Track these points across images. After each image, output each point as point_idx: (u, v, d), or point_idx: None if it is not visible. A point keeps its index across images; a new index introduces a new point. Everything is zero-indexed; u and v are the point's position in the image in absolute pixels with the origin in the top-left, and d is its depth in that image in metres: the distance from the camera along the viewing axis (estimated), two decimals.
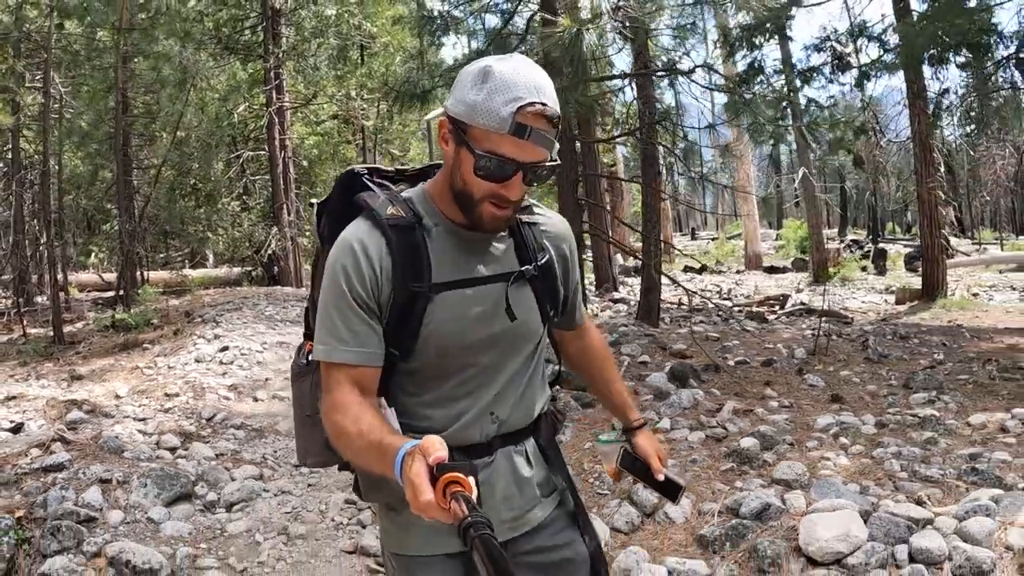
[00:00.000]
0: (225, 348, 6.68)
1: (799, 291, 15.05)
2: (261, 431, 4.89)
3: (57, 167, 9.21)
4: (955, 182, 39.62)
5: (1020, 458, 3.66)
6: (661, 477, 1.60)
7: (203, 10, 13.48)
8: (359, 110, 15.20)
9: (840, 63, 10.87)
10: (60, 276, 13.98)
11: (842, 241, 27.41)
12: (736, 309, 9.40)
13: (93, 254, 17.29)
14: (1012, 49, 9.94)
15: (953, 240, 28.96)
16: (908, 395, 4.62)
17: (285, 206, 14.12)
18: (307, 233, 16.01)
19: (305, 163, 16.10)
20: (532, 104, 1.21)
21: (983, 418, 4.30)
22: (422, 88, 6.36)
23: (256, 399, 5.56)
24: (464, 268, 1.35)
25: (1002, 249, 25.44)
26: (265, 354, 6.73)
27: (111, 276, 14.86)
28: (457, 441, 1.34)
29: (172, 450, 4.39)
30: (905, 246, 25.73)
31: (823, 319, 8.23)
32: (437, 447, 1.02)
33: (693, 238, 38.31)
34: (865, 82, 10.79)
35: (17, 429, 5.14)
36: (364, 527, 3.51)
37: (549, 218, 1.49)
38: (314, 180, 16.98)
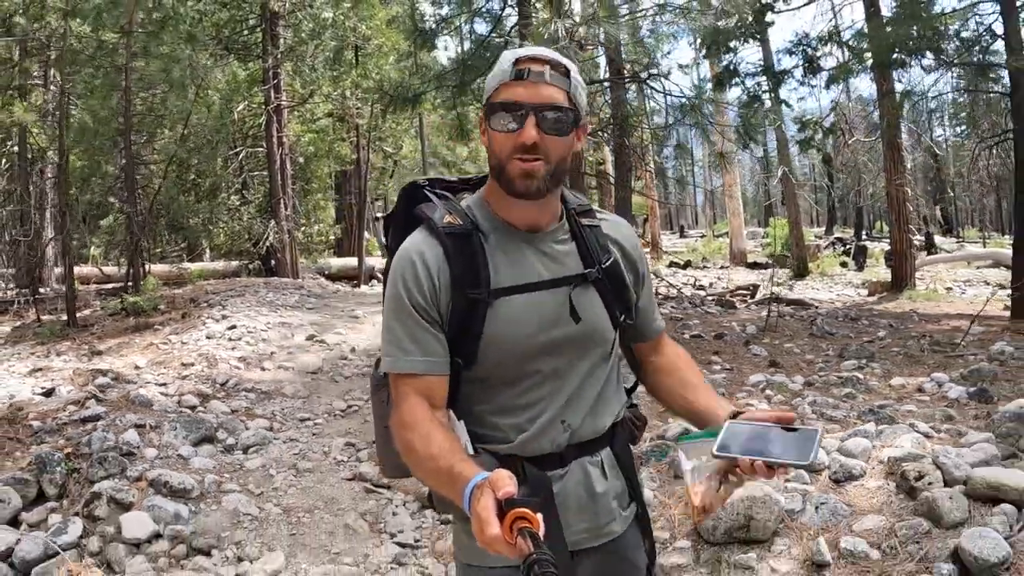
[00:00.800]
0: (233, 327, 7.31)
1: (778, 284, 15.75)
2: (269, 394, 5.52)
3: (66, 162, 9.79)
4: (942, 182, 40.50)
5: (924, 409, 4.33)
6: (796, 423, 1.23)
7: (203, 10, 14.08)
8: (354, 109, 15.80)
9: (811, 66, 11.55)
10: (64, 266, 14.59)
11: (827, 239, 28.18)
12: (708, 297, 10.05)
13: (93, 247, 17.85)
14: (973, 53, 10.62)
15: (939, 238, 29.79)
16: (840, 362, 5.29)
17: (282, 201, 14.69)
18: (303, 227, 16.61)
19: (301, 160, 16.69)
20: (529, 54, 1.29)
21: (903, 381, 4.97)
22: (414, 92, 6.98)
23: (263, 369, 6.20)
24: (524, 272, 1.35)
25: (984, 247, 26.24)
26: (269, 332, 7.37)
27: (109, 269, 15.45)
28: (529, 451, 1.34)
29: (192, 408, 5.02)
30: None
31: (786, 304, 8.91)
32: (506, 482, 1.04)
33: (682, 236, 39.12)
34: (834, 84, 11.50)
35: (49, 393, 5.77)
36: (361, 461, 4.16)
37: (611, 221, 1.50)
38: (309, 176, 17.59)
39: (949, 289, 14.69)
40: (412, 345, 1.30)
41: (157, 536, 3.36)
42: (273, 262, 15.17)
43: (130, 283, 10.41)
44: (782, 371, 4.96)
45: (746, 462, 1.17)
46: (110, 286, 14.32)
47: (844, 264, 21.06)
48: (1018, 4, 9.22)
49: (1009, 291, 8.94)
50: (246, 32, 15.39)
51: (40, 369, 6.72)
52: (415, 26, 7.64)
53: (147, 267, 14.96)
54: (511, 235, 1.35)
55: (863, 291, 14.71)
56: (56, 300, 11.18)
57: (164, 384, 5.53)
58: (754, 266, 21.85)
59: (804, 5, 12.64)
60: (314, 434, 4.72)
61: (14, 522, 3.59)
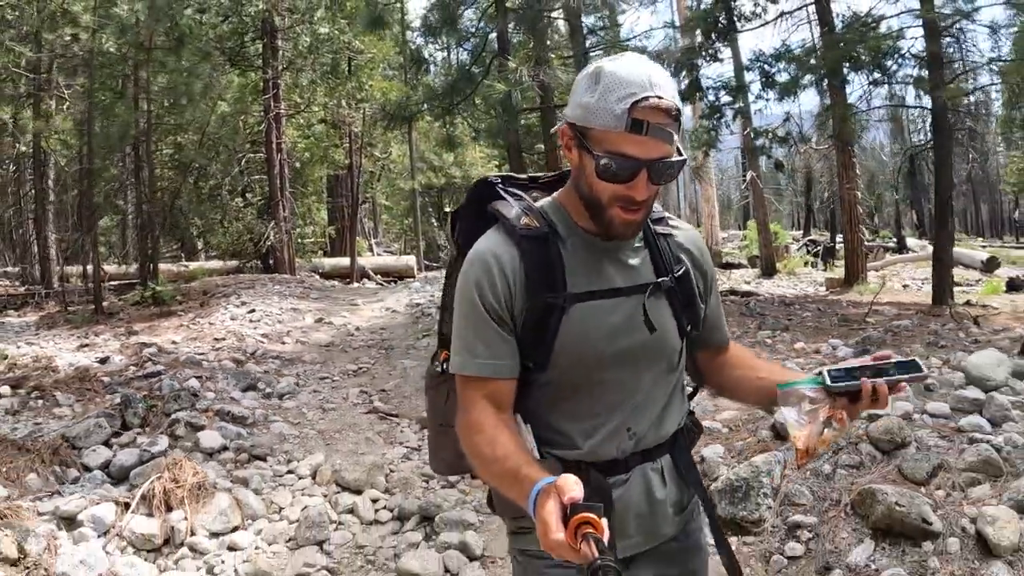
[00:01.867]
0: (252, 310, 8.50)
1: (746, 282, 17.08)
2: (292, 360, 6.72)
3: (91, 166, 10.92)
4: (917, 186, 42.21)
5: (810, 362, 5.59)
6: (897, 357, 1.25)
7: (207, 22, 15.23)
8: (348, 117, 17.00)
9: (767, 80, 12.86)
10: (67, 263, 15.67)
11: (803, 240, 29.67)
12: None
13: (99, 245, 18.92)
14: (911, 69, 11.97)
15: (913, 240, 31.31)
16: (757, 332, 6.56)
17: (281, 203, 15.86)
18: (299, 227, 17.75)
19: (298, 164, 17.87)
20: (647, 99, 1.21)
21: (805, 345, 6.24)
22: (410, 112, 8.22)
23: (283, 343, 7.39)
24: (599, 279, 1.35)
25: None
26: (283, 316, 8.55)
27: (108, 267, 16.52)
28: (594, 457, 1.35)
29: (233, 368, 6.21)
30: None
31: (740, 296, 10.20)
32: (572, 486, 1.05)
33: None
34: (787, 97, 12.80)
35: (104, 361, 6.93)
36: (373, 401, 5.37)
37: (684, 230, 1.49)
38: (305, 180, 18.76)
39: (906, 286, 16.07)
40: (483, 348, 1.31)
41: (224, 448, 4.55)
42: (272, 260, 16.33)
43: (149, 277, 11.52)
44: None
45: (867, 386, 1.21)
46: (114, 283, 15.42)
47: (812, 264, 22.46)
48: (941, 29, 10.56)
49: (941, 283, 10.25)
50: (247, 43, 16.57)
51: (87, 345, 7.87)
52: (411, 55, 8.92)
53: (150, 265, 16.09)
54: (587, 242, 1.35)
55: (822, 288, 16.06)
56: (69, 294, 12.27)
57: (203, 353, 6.71)
58: (727, 266, 23.17)
59: (760, 26, 13.96)
60: (333, 387, 5.93)
61: (106, 444, 4.77)
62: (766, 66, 13.12)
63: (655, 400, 1.41)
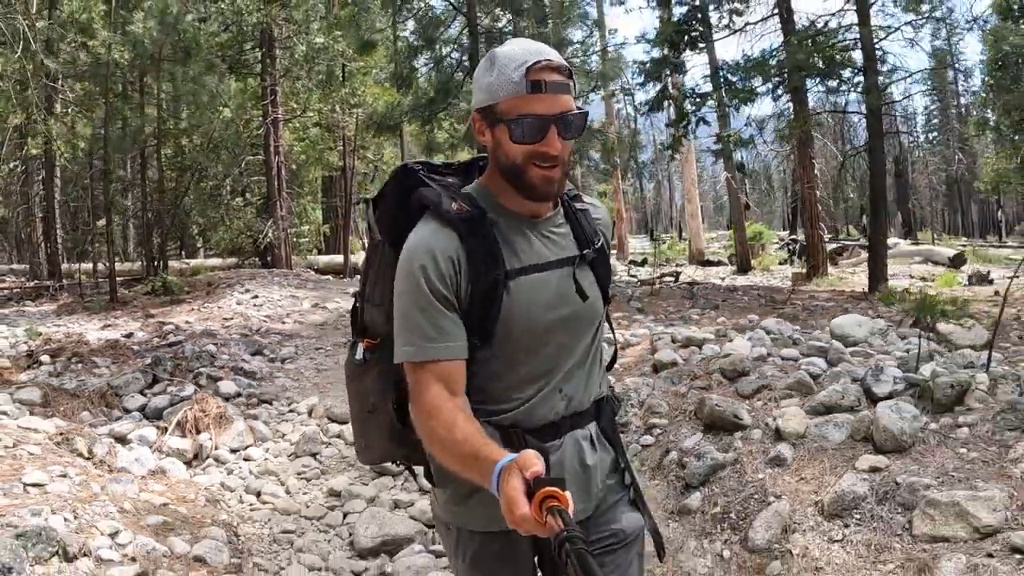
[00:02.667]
0: (256, 296, 9.67)
1: (721, 278, 18.25)
2: (291, 336, 7.88)
3: (109, 168, 12.08)
4: (905, 187, 43.56)
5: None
6: None
7: (206, 30, 16.40)
8: (342, 121, 18.16)
9: (729, 88, 14.04)
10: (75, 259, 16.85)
11: (788, 238, 30.95)
12: (636, 281, 12.45)
13: (97, 243, 20.12)
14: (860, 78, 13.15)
15: (895, 239, 32.57)
16: (689, 310, 7.76)
17: (278, 203, 17.01)
18: (295, 226, 18.88)
19: (294, 166, 19.04)
20: (538, 62, 1.34)
21: (727, 320, 7.41)
22: (395, 121, 9.36)
23: (283, 322, 8.55)
24: (533, 254, 1.45)
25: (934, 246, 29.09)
26: (283, 301, 9.72)
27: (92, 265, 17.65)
28: (530, 422, 1.44)
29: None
30: (851, 244, 28.84)
31: (692, 284, 11.40)
32: (533, 461, 1.10)
33: (652, 239, 41.84)
34: (747, 104, 13.98)
35: (129, 335, 8.10)
36: None
37: (596, 206, 1.61)
38: (301, 181, 19.94)
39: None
40: (436, 332, 1.36)
41: (239, 394, 5.71)
42: (269, 257, 17.48)
43: (159, 269, 12.68)
44: (645, 314, 7.42)
45: None
46: (120, 279, 16.58)
47: (789, 261, 23.69)
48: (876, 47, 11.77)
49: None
50: (247, 51, 17.73)
51: (110, 325, 9.03)
52: (397, 74, 10.13)
53: (159, 261, 17.24)
54: (515, 221, 1.45)
55: (788, 282, 17.26)
56: (83, 287, 13.42)
57: (215, 330, 7.88)
58: (706, 263, 24.41)
59: (730, 35, 15.14)
60: (326, 355, 7.09)
61: (142, 392, 5.92)
62: (729, 75, 14.35)
63: (583, 365, 1.52)
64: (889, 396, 3.47)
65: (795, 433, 3.66)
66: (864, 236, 31.38)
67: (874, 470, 2.91)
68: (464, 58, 10.12)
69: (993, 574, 2.24)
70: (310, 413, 5.33)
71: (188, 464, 4.64)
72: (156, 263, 12.94)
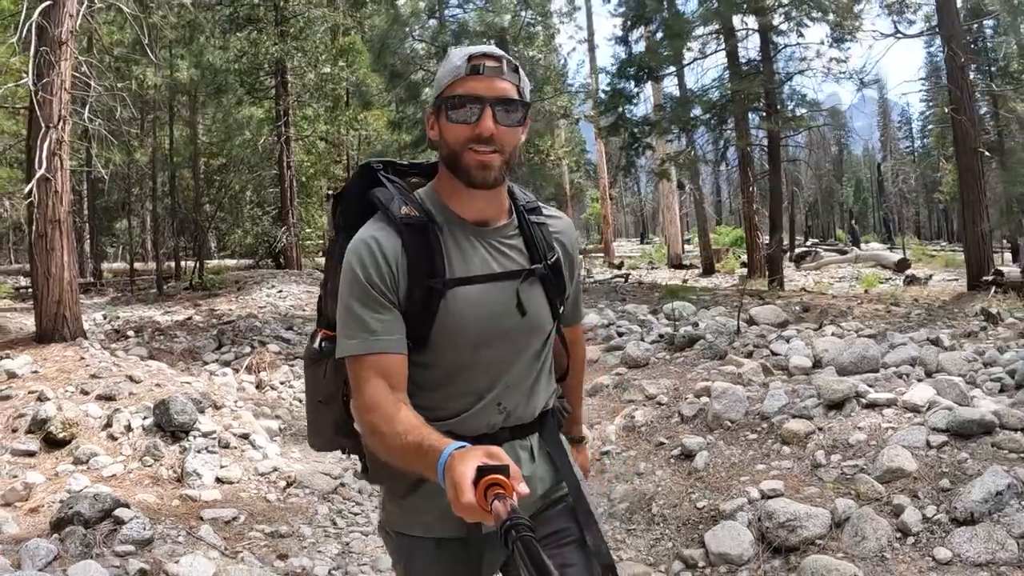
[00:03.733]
0: (280, 291, 12.57)
1: (684, 280, 21.09)
2: (311, 318, 10.76)
3: (156, 182, 15.02)
4: (884, 196, 46.48)
5: (608, 308, 9.63)
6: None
7: (227, 58, 19.30)
8: (347, 140, 21.09)
9: (676, 118, 16.87)
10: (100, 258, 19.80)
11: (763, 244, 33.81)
12: (591, 280, 15.27)
13: (111, 247, 23.11)
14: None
15: (876, 244, 35.38)
16: (602, 300, 10.61)
17: (290, 211, 19.94)
18: (306, 231, 21.78)
19: (303, 179, 21.98)
20: (481, 52, 1.43)
21: (626, 308, 10.28)
22: (389, 155, 12.23)
23: (304, 309, 11.43)
24: (477, 265, 1.48)
25: (904, 252, 31.91)
26: (301, 295, 12.62)
27: (138, 265, 20.60)
28: (464, 431, 1.46)
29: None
30: (825, 248, 31.43)
31: (635, 281, 14.24)
32: (480, 450, 1.13)
33: (642, 242, 44.88)
34: (690, 131, 16.81)
35: (189, 318, 10.98)
36: None
37: (557, 218, 1.65)
38: (309, 191, 22.86)
39: (819, 282, 20.10)
40: (376, 325, 1.40)
41: (279, 352, 8.59)
42: (282, 259, 20.40)
43: (199, 268, 15.61)
44: None
45: None
46: (143, 277, 19.54)
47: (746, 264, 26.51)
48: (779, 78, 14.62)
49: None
50: (263, 78, 20.65)
51: (167, 312, 11.92)
52: (390, 120, 13.01)
53: (183, 264, 20.15)
54: (463, 229, 1.48)
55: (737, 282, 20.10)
56: (131, 283, 16.33)
57: (254, 314, 10.77)
58: (679, 267, 27.23)
59: (679, 70, 17.98)
60: None
61: (213, 352, 8.79)
62: (676, 106, 17.20)
63: (525, 379, 1.56)
64: (653, 343, 6.37)
65: (591, 359, 6.54)
66: (850, 241, 34.25)
67: (618, 375, 5.80)
68: None
69: (648, 415, 5.11)
70: None
71: (257, 387, 7.51)
72: (196, 264, 15.85)
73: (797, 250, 29.36)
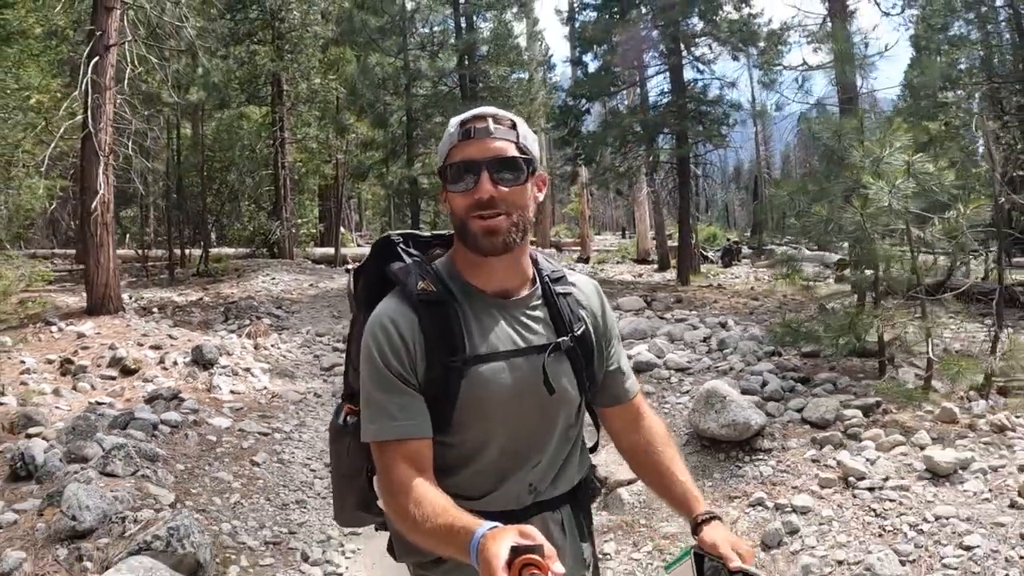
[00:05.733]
0: (273, 278, 15.79)
1: (639, 275, 24.23)
2: (297, 300, 13.94)
3: (178, 180, 18.23)
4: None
5: None
6: (734, 564, 1.48)
7: (227, 67, 22.41)
8: (335, 144, 24.21)
9: (602, 139, 19.86)
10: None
11: (733, 242, 36.96)
12: None
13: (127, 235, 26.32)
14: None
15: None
16: None
17: (284, 207, 23.10)
18: (297, 224, 24.92)
19: (296, 177, 25.15)
20: (473, 116, 1.48)
21: None
22: (363, 172, 15.36)
23: (292, 294, 14.63)
24: (499, 340, 1.49)
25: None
26: (291, 282, 15.84)
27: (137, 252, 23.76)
28: (492, 508, 1.49)
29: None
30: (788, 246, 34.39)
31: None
32: (514, 529, 1.15)
33: (624, 236, 47.91)
34: (623, 147, 19.83)
35: (201, 299, 14.19)
36: (336, 314, 12.67)
37: (581, 287, 1.66)
38: (302, 188, 26.05)
39: (737, 278, 23.22)
40: (397, 410, 1.43)
41: (271, 325, 11.79)
42: (276, 249, 23.58)
43: (204, 257, 18.84)
44: None
45: None
46: (152, 264, 22.75)
47: (712, 261, 29.65)
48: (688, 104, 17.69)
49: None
50: (260, 86, 23.75)
51: (181, 294, 15.11)
52: (361, 140, 16.16)
53: (188, 252, 23.34)
54: (483, 302, 1.51)
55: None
56: (144, 269, 19.54)
57: (252, 296, 13.99)
58: (642, 262, 30.35)
59: (626, 88, 21.03)
60: (316, 312, 13.16)
61: (221, 323, 11.98)
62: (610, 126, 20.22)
63: (556, 457, 1.59)
64: None
65: None
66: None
67: None
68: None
69: None
70: (307, 333, 11.43)
71: (255, 349, 10.69)
72: (203, 254, 19.05)
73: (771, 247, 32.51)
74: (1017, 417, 5.63)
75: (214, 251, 24.64)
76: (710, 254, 32.25)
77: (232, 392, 7.54)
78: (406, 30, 15.04)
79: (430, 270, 1.53)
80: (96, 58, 11.51)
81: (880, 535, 3.77)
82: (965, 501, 3.98)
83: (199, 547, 3.69)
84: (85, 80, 11.18)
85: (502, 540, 1.15)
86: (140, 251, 20.63)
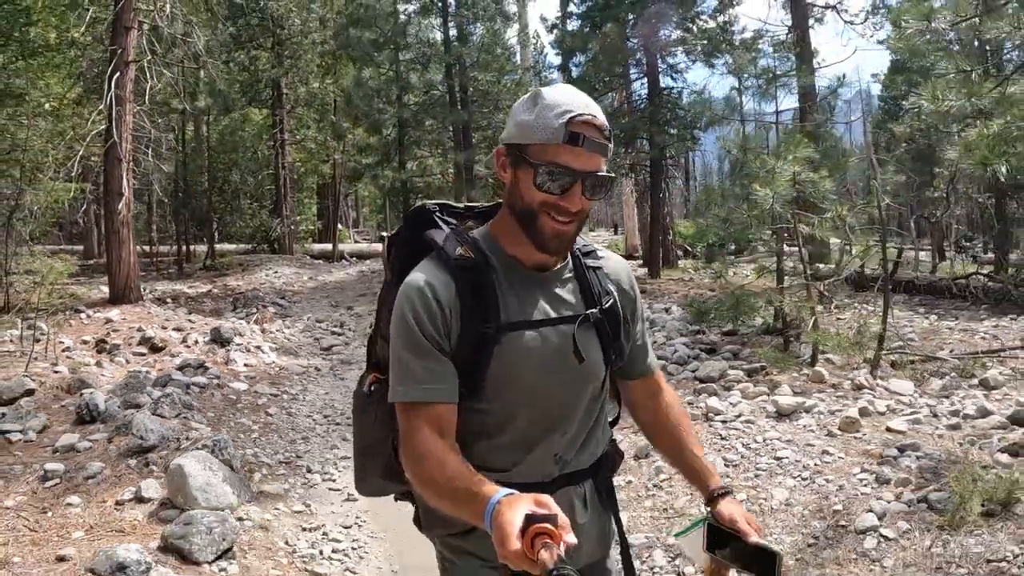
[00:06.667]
0: (276, 272, 17.38)
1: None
2: (298, 292, 15.53)
3: (184, 180, 19.81)
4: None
5: None
6: (752, 539, 1.59)
7: (233, 71, 23.96)
8: (332, 144, 25.77)
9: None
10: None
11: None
12: None
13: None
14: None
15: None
16: None
17: (284, 205, 24.68)
18: (296, 221, 26.48)
19: (295, 176, 26.73)
20: (582, 115, 1.42)
21: None
22: (359, 173, 16.97)
23: (293, 287, 16.20)
24: (532, 309, 1.53)
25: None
26: (292, 275, 17.43)
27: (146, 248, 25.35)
28: (519, 480, 1.52)
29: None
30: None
31: None
32: (529, 498, 1.19)
33: (616, 233, 49.49)
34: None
35: (209, 291, 15.77)
36: (334, 303, 14.26)
37: (612, 261, 1.71)
38: (302, 187, 27.64)
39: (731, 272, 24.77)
40: (425, 374, 1.47)
41: (275, 313, 13.38)
42: (276, 245, 25.17)
43: (210, 253, 20.44)
44: None
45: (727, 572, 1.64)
46: (158, 260, 24.35)
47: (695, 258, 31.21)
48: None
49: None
50: (261, 88, 25.30)
51: (191, 286, 16.70)
52: (357, 145, 17.77)
53: (193, 248, 24.93)
54: (519, 272, 1.55)
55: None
56: (154, 264, 21.13)
57: (256, 288, 15.57)
58: (631, 257, 31.88)
59: (603, 94, 22.55)
60: (315, 302, 14.74)
61: (230, 311, 13.57)
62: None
63: (582, 428, 1.64)
64: None
65: None
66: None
67: None
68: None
69: None
70: (307, 319, 13.01)
71: (263, 332, 12.25)
72: (209, 250, 20.63)
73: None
74: (880, 380, 7.19)
75: (218, 247, 26.32)
76: (697, 250, 33.86)
77: (246, 365, 9.11)
78: (398, 44, 16.56)
79: (468, 238, 1.58)
80: (117, 74, 13.08)
81: (719, 450, 5.32)
82: (793, 431, 5.54)
83: (233, 457, 5.26)
84: (109, 95, 12.74)
85: (517, 508, 1.19)
86: (149, 247, 22.20)
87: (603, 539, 1.75)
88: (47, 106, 15.21)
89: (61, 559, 3.81)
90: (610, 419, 1.80)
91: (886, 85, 26.65)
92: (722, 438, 5.51)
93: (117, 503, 4.59)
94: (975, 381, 7.18)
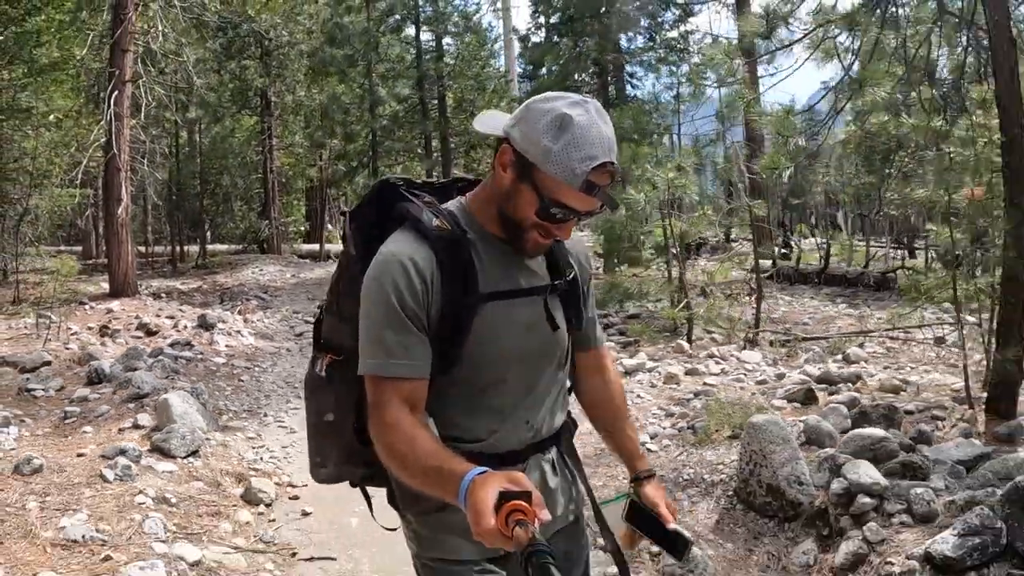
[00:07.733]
0: (261, 270, 19.27)
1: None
2: (280, 288, 17.38)
3: (178, 188, 21.71)
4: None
5: None
6: (671, 525, 1.77)
7: (224, 81, 25.83)
8: (320, 150, 27.65)
9: None
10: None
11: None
12: None
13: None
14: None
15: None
16: None
17: (272, 207, 26.56)
18: (284, 222, 28.37)
19: (284, 180, 28.64)
20: (604, 165, 1.48)
21: None
22: (348, 169, 18.94)
23: (278, 284, 18.06)
24: (508, 280, 1.62)
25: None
26: (276, 273, 19.30)
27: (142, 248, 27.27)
28: (493, 448, 1.62)
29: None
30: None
31: None
32: (502, 475, 1.23)
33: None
34: None
35: (200, 286, 17.67)
36: (313, 299, 16.15)
37: (573, 238, 1.76)
38: (291, 189, 29.56)
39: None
40: (401, 350, 1.51)
41: (257, 305, 15.24)
42: (265, 245, 27.06)
43: (202, 253, 22.35)
44: None
45: (642, 542, 1.85)
46: (152, 259, 26.24)
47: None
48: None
49: None
50: (250, 96, 27.18)
51: (184, 283, 18.58)
52: (340, 150, 19.73)
53: (186, 248, 26.83)
54: (494, 244, 1.62)
55: None
56: (149, 263, 23.04)
57: (242, 284, 17.45)
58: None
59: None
60: (295, 297, 16.60)
61: (218, 303, 15.45)
62: None
63: (550, 395, 1.74)
64: None
65: None
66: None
67: None
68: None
69: None
70: (285, 310, 14.89)
71: (244, 322, 14.09)
72: (201, 250, 22.52)
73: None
74: (736, 353, 9.01)
75: (209, 247, 28.22)
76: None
77: (227, 345, 10.98)
78: (371, 60, 18.45)
79: (443, 210, 1.63)
80: (116, 93, 14.97)
81: None
82: (627, 382, 7.38)
83: (207, 402, 7.14)
84: (108, 112, 14.64)
85: (491, 486, 1.23)
86: (145, 248, 24.07)
87: (573, 502, 1.85)
88: (52, 118, 17.19)
89: (81, 455, 5.68)
90: (568, 387, 1.90)
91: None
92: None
93: (120, 429, 6.46)
94: (839, 357, 8.98)
